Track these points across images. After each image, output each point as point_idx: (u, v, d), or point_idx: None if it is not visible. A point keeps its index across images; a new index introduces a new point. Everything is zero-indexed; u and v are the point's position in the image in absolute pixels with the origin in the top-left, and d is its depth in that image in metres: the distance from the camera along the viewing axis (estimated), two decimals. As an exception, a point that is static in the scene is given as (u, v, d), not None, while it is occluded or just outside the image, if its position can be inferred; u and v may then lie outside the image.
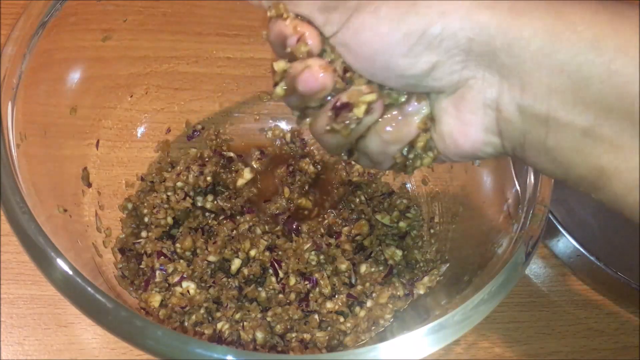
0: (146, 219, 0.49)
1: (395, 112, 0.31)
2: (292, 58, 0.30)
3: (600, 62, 0.24)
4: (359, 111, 0.29)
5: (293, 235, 0.50)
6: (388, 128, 0.31)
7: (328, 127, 0.31)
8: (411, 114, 0.30)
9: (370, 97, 0.29)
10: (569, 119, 0.25)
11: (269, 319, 0.45)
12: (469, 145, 0.29)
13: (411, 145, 0.31)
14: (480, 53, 0.26)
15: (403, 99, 0.30)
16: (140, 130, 0.54)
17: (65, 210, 0.43)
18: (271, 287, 0.47)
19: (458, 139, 0.29)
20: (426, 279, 0.47)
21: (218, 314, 0.46)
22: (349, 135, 0.31)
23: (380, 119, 0.31)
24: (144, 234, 0.49)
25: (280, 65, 0.30)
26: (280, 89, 0.31)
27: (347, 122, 0.30)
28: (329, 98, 0.30)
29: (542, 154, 0.27)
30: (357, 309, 0.47)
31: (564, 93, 0.25)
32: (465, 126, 0.28)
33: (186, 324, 0.45)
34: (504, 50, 0.25)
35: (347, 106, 0.30)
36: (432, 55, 0.27)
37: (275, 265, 0.48)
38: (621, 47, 0.24)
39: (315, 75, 0.29)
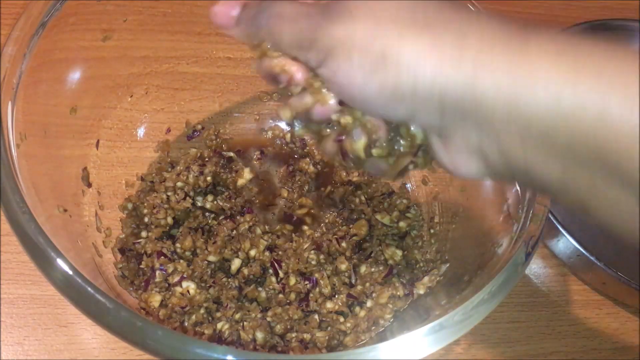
0: (146, 219, 0.49)
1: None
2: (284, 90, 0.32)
3: (563, 116, 0.24)
4: (360, 152, 0.32)
5: (293, 235, 0.50)
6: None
7: (337, 160, 0.33)
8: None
9: (360, 143, 0.31)
10: (544, 168, 0.26)
11: (269, 319, 0.45)
12: (464, 176, 0.30)
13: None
14: (453, 108, 0.27)
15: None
16: (140, 130, 0.54)
17: (65, 210, 0.43)
18: (271, 287, 0.47)
19: (452, 171, 0.30)
20: (426, 279, 0.47)
21: (218, 314, 0.46)
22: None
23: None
24: (144, 234, 0.49)
25: (287, 114, 0.32)
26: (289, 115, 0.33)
27: (352, 162, 0.33)
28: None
29: (532, 188, 0.30)
30: (357, 309, 0.47)
31: (535, 145, 0.26)
32: (456, 164, 0.29)
33: (186, 324, 0.45)
34: (473, 107, 0.26)
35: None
36: (409, 105, 0.27)
37: (275, 265, 0.48)
38: (581, 101, 0.24)
39: (326, 107, 0.31)
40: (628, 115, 0.23)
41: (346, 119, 0.31)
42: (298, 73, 0.30)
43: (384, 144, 0.31)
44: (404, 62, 0.26)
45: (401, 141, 0.31)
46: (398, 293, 0.47)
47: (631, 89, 0.23)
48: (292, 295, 0.47)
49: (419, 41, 0.26)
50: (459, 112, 0.27)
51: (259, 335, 0.44)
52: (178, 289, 0.45)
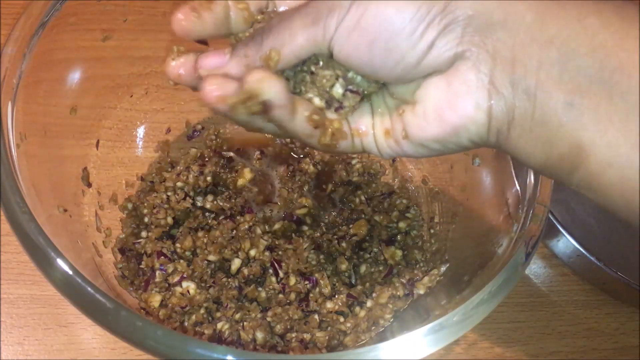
0: (146, 219, 0.49)
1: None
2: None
3: (584, 35, 0.26)
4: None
5: (293, 235, 0.50)
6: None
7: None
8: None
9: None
10: (554, 90, 0.26)
11: (269, 319, 0.45)
12: (455, 119, 0.29)
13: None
14: (477, 27, 0.27)
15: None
16: (140, 130, 0.54)
17: (65, 210, 0.43)
18: (271, 287, 0.47)
19: (445, 112, 0.29)
20: (426, 279, 0.47)
21: (218, 314, 0.46)
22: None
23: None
24: (144, 234, 0.49)
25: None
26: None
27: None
28: None
29: (527, 131, 0.28)
30: (357, 309, 0.47)
31: (551, 65, 0.26)
32: (456, 97, 0.28)
33: (186, 324, 0.45)
34: (500, 23, 0.27)
35: None
36: (433, 32, 0.27)
37: (275, 265, 0.48)
38: (603, 24, 0.26)
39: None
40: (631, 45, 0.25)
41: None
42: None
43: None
44: None
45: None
46: (398, 293, 0.47)
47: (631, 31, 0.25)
48: (292, 295, 0.47)
49: None
50: (482, 33, 0.27)
51: (259, 335, 0.44)
52: (178, 289, 0.45)
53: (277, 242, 0.50)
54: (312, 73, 0.30)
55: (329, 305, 0.46)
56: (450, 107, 0.29)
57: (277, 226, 0.51)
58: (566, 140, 0.27)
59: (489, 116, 0.28)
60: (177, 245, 0.48)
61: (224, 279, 0.47)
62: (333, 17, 0.28)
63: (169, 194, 0.50)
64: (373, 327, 0.46)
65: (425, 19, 0.27)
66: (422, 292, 0.47)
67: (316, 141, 0.32)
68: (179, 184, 0.51)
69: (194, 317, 0.45)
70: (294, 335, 0.45)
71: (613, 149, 0.26)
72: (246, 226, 0.50)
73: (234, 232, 0.49)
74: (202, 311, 0.45)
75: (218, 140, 0.56)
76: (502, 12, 0.26)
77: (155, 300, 0.45)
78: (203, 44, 0.34)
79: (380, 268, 0.49)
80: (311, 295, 0.47)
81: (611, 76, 0.25)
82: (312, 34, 0.29)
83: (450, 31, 0.27)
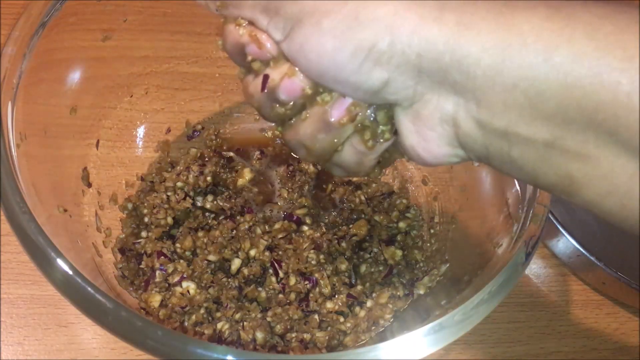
0: (146, 219, 0.49)
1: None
2: (249, 67, 0.29)
3: (555, 76, 0.23)
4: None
5: (293, 235, 0.50)
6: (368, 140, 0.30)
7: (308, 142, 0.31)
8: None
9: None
10: (529, 133, 0.24)
11: (269, 319, 0.45)
12: (432, 159, 0.28)
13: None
14: (431, 70, 0.25)
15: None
16: (140, 130, 0.54)
17: (65, 210, 0.43)
18: (271, 287, 0.47)
19: (421, 153, 0.28)
20: (426, 279, 0.47)
21: (218, 314, 0.46)
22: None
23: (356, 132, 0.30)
24: (144, 234, 0.49)
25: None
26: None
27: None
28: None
29: (507, 164, 0.26)
30: (357, 309, 0.47)
31: (520, 108, 0.24)
32: (426, 142, 0.27)
33: (186, 324, 0.45)
34: (454, 67, 0.24)
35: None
36: (383, 72, 0.26)
37: (275, 265, 0.48)
38: (575, 58, 0.22)
39: (295, 83, 0.28)
40: (627, 76, 0.22)
41: (324, 98, 0.28)
42: (268, 41, 0.27)
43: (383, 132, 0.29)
44: (380, 20, 0.24)
45: (382, 127, 0.29)
46: (398, 293, 0.47)
47: (630, 49, 0.22)
48: (292, 295, 0.47)
49: None
50: (437, 75, 0.25)
51: (259, 335, 0.44)
52: (178, 289, 0.45)
53: (277, 242, 0.50)
54: None
55: (329, 305, 0.46)
56: (424, 150, 0.28)
57: (277, 226, 0.51)
58: (553, 174, 0.25)
59: (464, 150, 0.27)
60: (177, 245, 0.48)
61: (224, 279, 0.47)
62: (279, 21, 0.26)
63: (169, 194, 0.50)
64: (373, 327, 0.46)
65: (369, 57, 0.25)
66: (422, 292, 0.47)
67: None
68: (179, 184, 0.51)
69: (194, 317, 0.45)
70: (294, 335, 0.45)
71: (609, 180, 0.24)
72: (246, 226, 0.50)
73: (234, 232, 0.49)
74: (202, 311, 0.45)
75: (218, 140, 0.56)
76: (452, 55, 0.24)
77: (155, 300, 0.45)
78: None
79: (380, 268, 0.49)
80: (311, 295, 0.47)
81: (595, 115, 0.23)
82: (261, 24, 0.27)
83: (404, 71, 0.25)
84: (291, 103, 0.29)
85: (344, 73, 0.26)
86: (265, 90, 0.29)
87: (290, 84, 0.28)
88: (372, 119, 0.29)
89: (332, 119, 0.29)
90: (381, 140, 0.29)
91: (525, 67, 0.23)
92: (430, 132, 0.27)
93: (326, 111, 0.28)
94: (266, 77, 0.29)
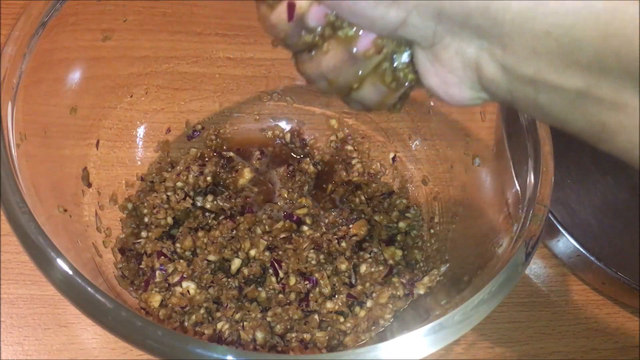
0: (146, 219, 0.49)
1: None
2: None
3: (594, 24, 0.21)
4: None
5: (293, 235, 0.50)
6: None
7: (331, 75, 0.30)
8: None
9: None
10: (560, 81, 0.23)
11: (269, 319, 0.45)
12: (454, 102, 0.27)
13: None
14: (452, 13, 0.24)
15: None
16: (140, 130, 0.54)
17: (65, 210, 0.43)
18: (271, 287, 0.47)
19: (442, 95, 0.27)
20: (426, 279, 0.47)
21: (218, 314, 0.46)
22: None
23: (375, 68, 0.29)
24: (144, 234, 0.49)
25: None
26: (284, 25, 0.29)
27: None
28: None
29: (534, 109, 0.25)
30: (357, 309, 0.47)
31: (551, 56, 0.23)
32: (447, 85, 0.26)
33: (186, 324, 0.45)
34: (478, 11, 0.23)
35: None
36: (400, 11, 0.25)
37: (275, 265, 0.48)
38: (618, 6, 0.21)
39: (322, 9, 0.27)
40: None
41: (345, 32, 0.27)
42: None
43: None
44: None
45: (404, 67, 0.28)
46: (398, 293, 0.47)
47: None
48: (292, 295, 0.47)
49: None
50: (459, 19, 0.24)
51: (259, 335, 0.44)
52: (178, 289, 0.45)
53: (277, 242, 0.50)
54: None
55: (329, 305, 0.46)
56: (445, 93, 0.27)
57: (277, 226, 0.51)
58: (583, 120, 0.24)
59: (488, 94, 0.26)
60: (177, 245, 0.48)
61: (224, 279, 0.47)
62: None
63: (169, 194, 0.50)
64: (373, 327, 0.46)
65: None
66: (422, 292, 0.47)
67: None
68: (179, 184, 0.51)
69: (194, 317, 0.45)
70: (294, 335, 0.45)
71: None
72: (246, 226, 0.50)
73: (234, 232, 0.49)
74: (202, 311, 0.45)
75: (218, 140, 0.56)
76: (478, 3, 0.23)
77: (155, 300, 0.45)
78: None
79: (380, 268, 0.49)
80: (311, 295, 0.47)
81: (634, 64, 0.21)
82: None
83: (423, 12, 0.25)
84: (318, 29, 0.28)
85: (360, 6, 0.26)
86: (293, 19, 0.28)
87: (318, 11, 0.27)
88: (396, 57, 0.28)
89: (358, 50, 0.28)
90: (405, 82, 0.29)
91: (561, 13, 0.22)
92: (450, 76, 0.26)
93: (351, 43, 0.28)
94: (291, 5, 0.28)
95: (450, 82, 0.26)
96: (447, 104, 0.28)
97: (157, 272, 0.46)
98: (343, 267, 0.49)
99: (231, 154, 0.55)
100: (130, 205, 0.51)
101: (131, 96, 0.53)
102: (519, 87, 0.24)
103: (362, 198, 0.54)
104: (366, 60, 0.28)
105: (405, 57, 0.28)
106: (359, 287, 0.48)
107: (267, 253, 0.48)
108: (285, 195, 0.53)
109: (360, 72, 0.29)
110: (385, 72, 0.29)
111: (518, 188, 0.42)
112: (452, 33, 0.25)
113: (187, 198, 0.50)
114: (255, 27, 0.54)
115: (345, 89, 0.31)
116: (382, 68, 0.29)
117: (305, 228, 0.51)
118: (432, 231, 0.53)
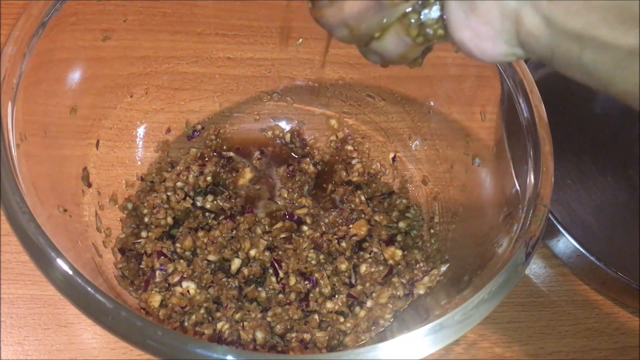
0: (146, 219, 0.49)
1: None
2: None
3: None
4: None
5: (293, 235, 0.50)
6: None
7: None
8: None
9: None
10: (611, 38, 0.21)
11: (269, 319, 0.45)
12: (487, 58, 0.25)
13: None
14: None
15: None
16: (140, 130, 0.54)
17: (65, 210, 0.43)
18: (271, 287, 0.47)
19: (472, 50, 0.25)
20: (426, 279, 0.47)
21: (218, 314, 0.46)
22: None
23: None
24: (144, 234, 0.49)
25: None
26: None
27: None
28: None
29: (575, 68, 0.23)
30: (357, 309, 0.47)
31: (606, 10, 0.21)
32: (479, 39, 0.25)
33: (186, 324, 0.45)
34: None
35: None
36: None
37: (275, 265, 0.48)
38: None
39: None
40: None
41: None
42: None
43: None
44: None
45: (433, 22, 0.26)
46: (398, 293, 0.47)
47: None
48: (292, 295, 0.47)
49: None
50: None
51: (259, 335, 0.44)
52: (178, 289, 0.45)
53: (277, 242, 0.50)
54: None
55: (329, 305, 0.46)
56: (477, 48, 0.25)
57: (277, 226, 0.51)
58: (631, 81, 0.22)
59: (524, 51, 0.24)
60: (177, 245, 0.48)
61: (224, 279, 0.47)
62: None
63: (169, 194, 0.50)
64: (373, 327, 0.46)
65: None
66: (422, 292, 0.47)
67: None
68: (179, 184, 0.51)
69: (194, 317, 0.45)
70: (294, 335, 0.45)
71: None
72: (246, 226, 0.50)
73: (234, 232, 0.49)
74: (202, 311, 0.45)
75: (218, 140, 0.56)
76: None
77: (155, 300, 0.45)
78: None
79: (380, 268, 0.49)
80: (311, 295, 0.47)
81: None
82: None
83: None
84: None
85: None
86: None
87: None
88: (424, 12, 0.27)
89: None
90: (433, 38, 0.27)
91: None
92: (485, 28, 0.24)
93: None
94: None
95: (485, 35, 0.24)
96: (477, 59, 0.26)
97: (157, 272, 0.46)
98: (343, 267, 0.49)
99: (231, 153, 0.55)
100: (130, 205, 0.51)
101: (131, 96, 0.53)
102: (562, 43, 0.22)
103: (362, 198, 0.54)
104: (392, 7, 0.27)
105: (435, 12, 0.26)
106: (359, 287, 0.48)
107: (267, 253, 0.48)
108: (285, 195, 0.53)
109: (385, 20, 0.27)
110: (411, 24, 0.27)
111: (518, 188, 0.42)
112: None
113: (187, 198, 0.50)
114: (255, 27, 0.55)
115: (366, 38, 0.29)
116: (408, 19, 0.27)
117: (305, 228, 0.51)
118: (432, 231, 0.53)
